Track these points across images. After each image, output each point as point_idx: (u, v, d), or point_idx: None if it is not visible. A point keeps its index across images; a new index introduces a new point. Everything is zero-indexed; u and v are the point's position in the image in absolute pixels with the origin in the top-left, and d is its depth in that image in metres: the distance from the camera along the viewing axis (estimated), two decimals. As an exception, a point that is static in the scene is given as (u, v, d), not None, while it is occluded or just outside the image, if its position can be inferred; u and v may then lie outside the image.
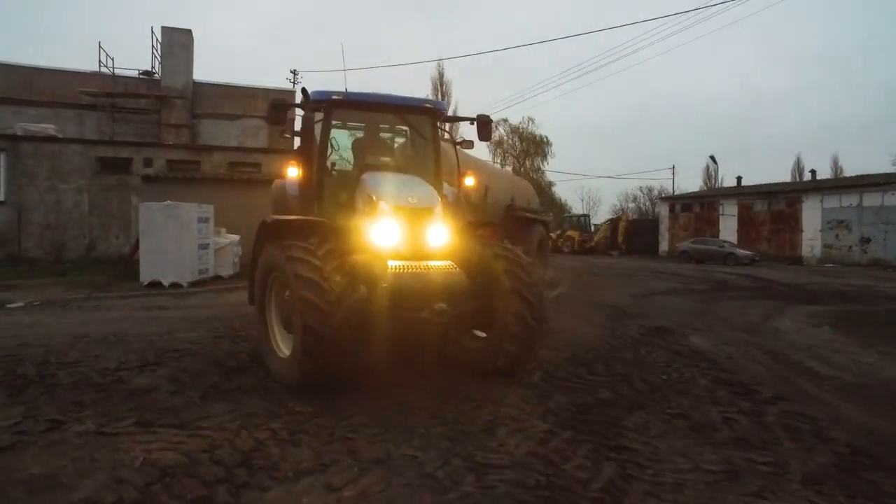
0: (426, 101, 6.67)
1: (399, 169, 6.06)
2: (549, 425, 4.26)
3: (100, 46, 23.92)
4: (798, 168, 55.90)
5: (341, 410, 4.42)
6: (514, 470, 3.48)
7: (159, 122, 24.42)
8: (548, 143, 54.82)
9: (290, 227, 5.18)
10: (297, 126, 6.12)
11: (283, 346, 5.16)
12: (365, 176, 5.62)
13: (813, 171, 44.97)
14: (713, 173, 56.76)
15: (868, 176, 37.50)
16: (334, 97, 5.78)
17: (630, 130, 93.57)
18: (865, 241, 32.31)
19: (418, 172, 6.00)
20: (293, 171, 6.05)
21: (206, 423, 4.12)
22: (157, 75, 25.16)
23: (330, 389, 4.67)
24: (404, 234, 5.01)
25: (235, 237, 14.93)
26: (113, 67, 23.92)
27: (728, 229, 38.68)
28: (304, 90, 5.86)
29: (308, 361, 4.55)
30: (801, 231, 35.11)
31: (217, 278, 14.09)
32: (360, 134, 6.79)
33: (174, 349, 6.38)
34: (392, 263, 4.69)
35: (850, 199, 33.54)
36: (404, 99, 6.28)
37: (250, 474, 3.34)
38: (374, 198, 5.15)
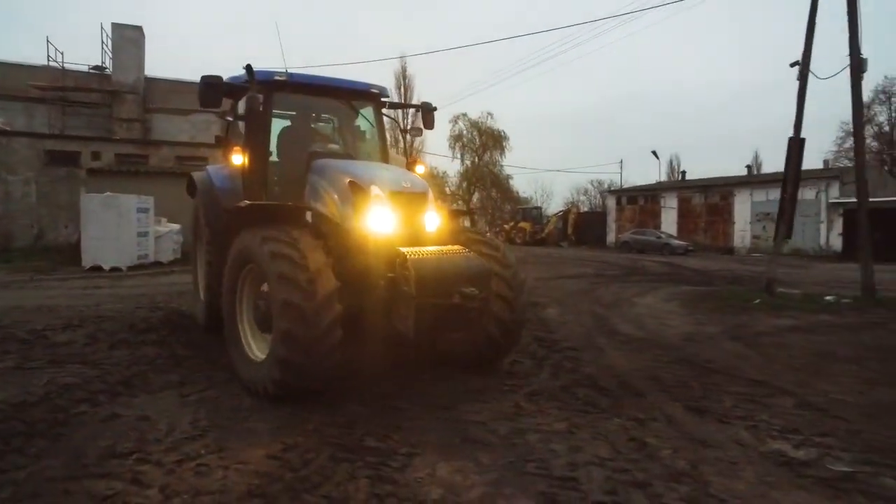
0: (371, 85, 6.22)
1: (348, 157, 5.82)
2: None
3: (48, 41, 24.44)
4: (756, 163, 58.14)
5: (214, 354, 5.72)
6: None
7: (111, 117, 25.04)
8: (505, 138, 56.38)
9: (269, 214, 4.77)
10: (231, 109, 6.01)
11: (256, 349, 4.61)
12: (331, 162, 5.28)
13: (749, 167, 47.62)
14: (676, 167, 59.26)
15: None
16: (276, 78, 5.42)
17: (586, 125, 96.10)
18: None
19: (366, 160, 5.87)
20: (237, 159, 5.56)
21: (106, 362, 5.38)
22: (108, 70, 25.71)
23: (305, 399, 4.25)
24: (400, 221, 4.67)
25: (176, 226, 16.03)
26: (62, 62, 24.43)
27: (669, 221, 40.95)
28: (248, 67, 5.17)
29: (285, 372, 4.02)
30: (734, 223, 37.49)
31: (157, 264, 15.18)
32: (285, 122, 6.33)
33: (97, 316, 7.59)
34: (407, 250, 4.29)
35: (774, 194, 35.98)
36: (349, 83, 6.02)
37: (127, 388, 4.63)
38: (362, 184, 4.70)
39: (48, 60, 24.27)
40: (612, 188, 48.85)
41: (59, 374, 4.91)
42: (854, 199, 33.38)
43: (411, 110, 21.53)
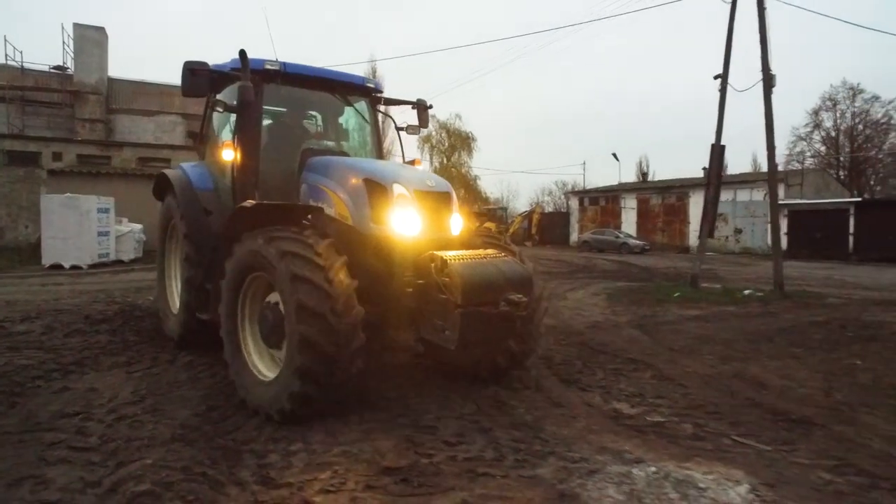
0: (367, 79, 5.95)
1: (343, 154, 5.58)
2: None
3: (6, 40, 24.42)
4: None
5: (162, 341, 6.38)
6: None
7: (73, 117, 25.12)
8: (473, 139, 57.34)
9: (277, 216, 4.28)
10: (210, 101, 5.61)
11: (263, 367, 4.18)
12: (338, 160, 5.04)
13: (705, 169, 49.49)
14: (646, 166, 61.03)
15: (742, 174, 42.16)
16: (268, 66, 5.07)
17: (553, 126, 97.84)
18: (738, 231, 36.56)
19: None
20: (228, 154, 5.00)
21: (61, 347, 5.99)
22: (69, 70, 25.77)
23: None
24: (426, 222, 4.35)
25: (137, 226, 16.49)
26: (21, 61, 24.44)
27: (629, 221, 42.43)
28: (242, 53, 4.75)
29: (305, 382, 3.62)
30: (689, 223, 39.06)
31: (118, 262, 15.60)
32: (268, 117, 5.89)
33: (55, 309, 8.14)
34: (446, 254, 3.99)
35: (726, 195, 37.64)
36: (345, 75, 5.75)
37: (79, 367, 5.28)
38: (383, 182, 4.35)
39: (6, 59, 24.26)
40: (576, 189, 50.28)
41: (17, 357, 5.52)
42: (799, 201, 35.31)
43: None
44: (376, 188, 4.39)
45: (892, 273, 21.11)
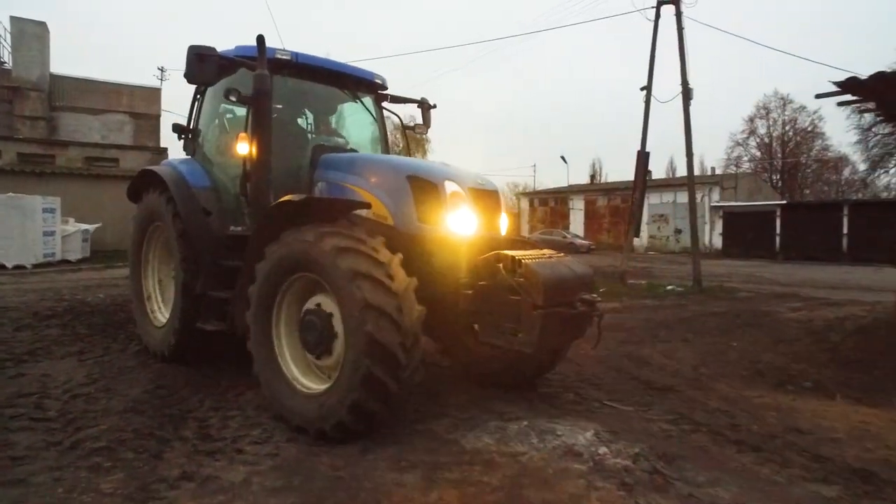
0: (375, 74, 5.70)
1: (353, 151, 5.37)
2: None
3: (-60, 34, 23.60)
4: (671, 167, 62.18)
5: (113, 333, 6.81)
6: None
7: (12, 114, 24.49)
8: (428, 140, 57.94)
9: (318, 212, 3.94)
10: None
11: (305, 379, 3.86)
12: (370, 157, 5.05)
13: (649, 172, 51.73)
14: (598, 169, 62.99)
15: (684, 177, 44.40)
16: (279, 56, 4.80)
17: (507, 128, 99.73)
18: (678, 232, 38.53)
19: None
20: (243, 148, 4.57)
21: (12, 340, 6.37)
22: (7, 65, 25.11)
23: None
24: (480, 222, 4.24)
25: (85, 226, 16.50)
26: (-44, 56, 23.68)
27: (577, 222, 44.06)
28: (260, 39, 4.40)
29: (357, 418, 3.41)
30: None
31: (65, 262, 15.58)
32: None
33: (2, 307, 8.39)
34: (518, 254, 3.82)
35: (668, 197, 39.81)
36: (355, 69, 5.55)
37: (32, 357, 5.70)
38: (432, 180, 4.16)
39: (-59, 54, 23.47)
40: (526, 191, 51.73)
41: (-32, 349, 5.90)
42: (733, 203, 37.49)
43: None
44: (424, 186, 4.16)
45: (808, 270, 23.00)
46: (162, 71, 36.41)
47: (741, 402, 4.82)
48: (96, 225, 17.45)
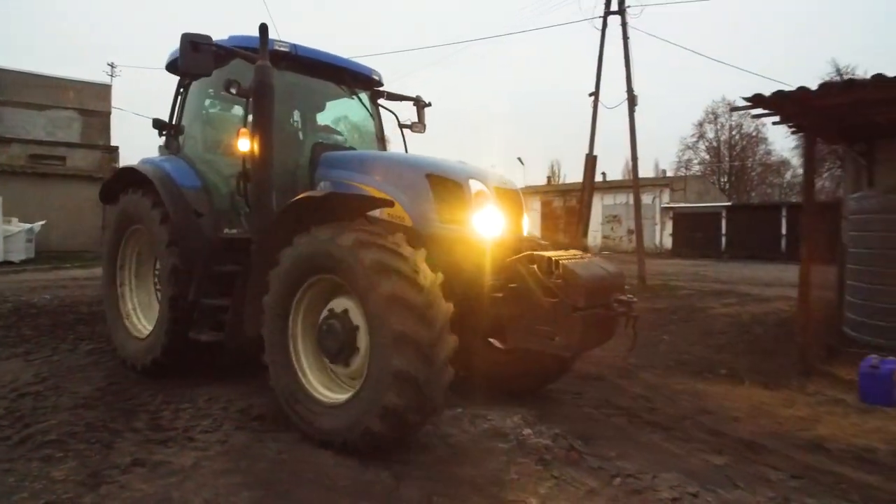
0: (373, 70, 5.49)
1: (352, 149, 5.17)
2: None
3: None
4: (628, 169, 63.66)
5: (61, 335, 6.82)
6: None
7: (-51, 108, 23.48)
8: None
9: (343, 210, 3.73)
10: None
11: (322, 387, 3.69)
12: (379, 154, 4.90)
13: (603, 174, 53.29)
14: (556, 170, 64.17)
15: (640, 179, 45.91)
16: (278, 48, 4.60)
17: (470, 127, 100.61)
18: (630, 232, 39.78)
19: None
20: (245, 145, 4.29)
21: (-43, 341, 6.33)
22: (-54, 58, 24.01)
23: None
24: (505, 222, 4.12)
25: (28, 226, 16.05)
26: None
27: (533, 222, 44.97)
28: (264, 28, 4.14)
29: (391, 423, 3.18)
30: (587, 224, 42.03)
31: (7, 263, 15.15)
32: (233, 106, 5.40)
33: (-56, 309, 8.23)
34: (553, 254, 3.71)
35: (621, 198, 41.08)
36: (353, 63, 5.35)
37: (-20, 356, 5.71)
38: (455, 179, 4.00)
39: None
40: (487, 191, 52.47)
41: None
42: (683, 204, 38.93)
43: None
44: (445, 185, 3.99)
45: (749, 269, 24.21)
46: (112, 67, 35.41)
47: (662, 389, 5.28)
48: (41, 223, 16.98)
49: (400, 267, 3.23)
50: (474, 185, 3.98)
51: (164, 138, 5.34)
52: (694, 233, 36.35)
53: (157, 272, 5.16)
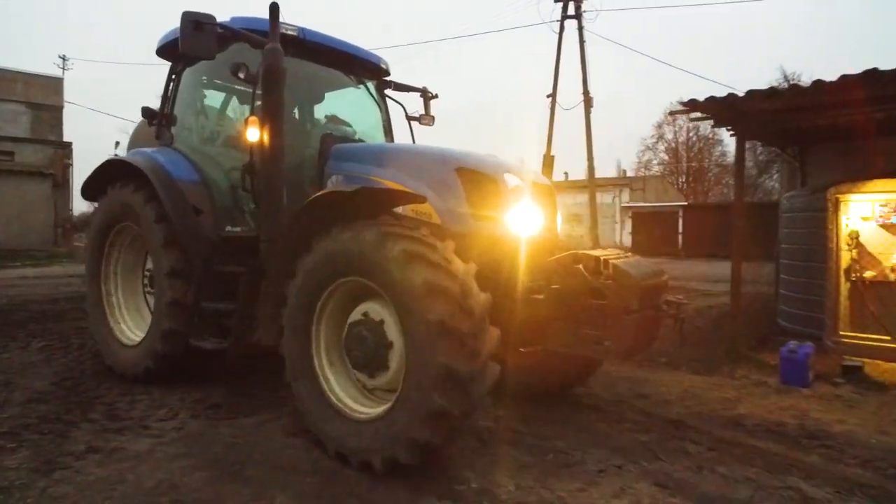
0: (381, 59, 5.28)
1: (361, 142, 4.89)
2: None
3: None
4: (590, 168, 64.51)
5: (13, 333, 6.74)
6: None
7: None
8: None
9: (370, 206, 3.39)
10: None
11: (351, 399, 3.38)
12: (399, 146, 4.63)
13: (566, 173, 54.38)
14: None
15: (601, 179, 47.07)
16: (286, 31, 4.26)
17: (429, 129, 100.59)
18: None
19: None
20: (254, 134, 3.99)
21: None
22: None
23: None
24: (541, 220, 3.92)
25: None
26: None
27: (499, 221, 45.53)
28: (274, 7, 3.84)
29: (438, 426, 2.89)
30: (550, 223, 42.83)
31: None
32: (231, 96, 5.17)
33: None
34: (601, 254, 3.55)
35: (582, 198, 41.92)
36: (362, 51, 5.09)
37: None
38: (489, 173, 3.77)
39: None
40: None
41: None
42: (642, 203, 40.01)
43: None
44: (478, 180, 3.74)
45: (704, 266, 25.08)
46: (64, 60, 34.30)
47: (603, 377, 5.59)
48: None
49: (430, 256, 2.95)
50: (511, 180, 3.76)
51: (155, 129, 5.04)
52: (653, 231, 37.43)
53: (147, 274, 4.95)
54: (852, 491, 3.10)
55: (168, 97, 5.01)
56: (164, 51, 5.03)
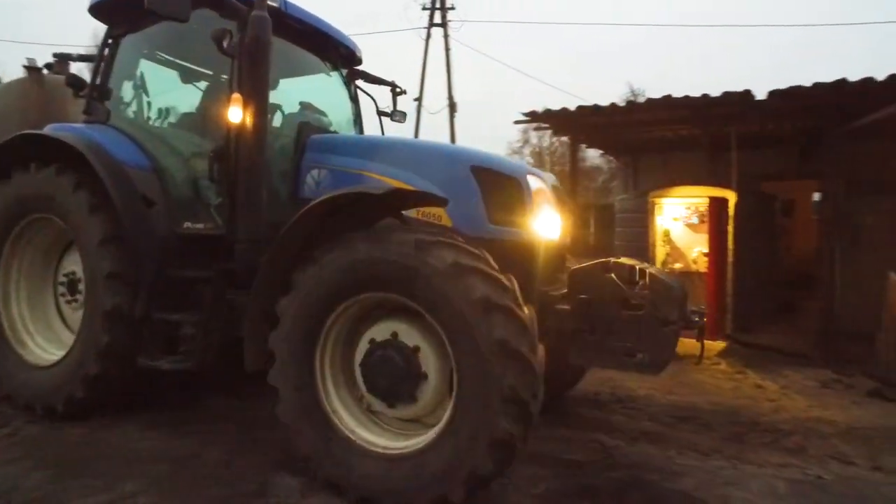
0: (355, 44, 4.80)
1: (334, 133, 4.46)
2: None
3: None
4: None
5: None
6: None
7: None
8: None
9: (373, 210, 3.12)
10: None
11: (367, 433, 2.96)
12: (402, 140, 4.08)
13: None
14: None
15: None
16: (270, 1, 3.61)
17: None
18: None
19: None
20: (236, 114, 3.36)
21: None
22: None
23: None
24: (563, 227, 3.69)
25: None
26: None
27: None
28: None
29: (504, 453, 2.62)
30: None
31: None
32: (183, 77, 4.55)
33: None
34: (630, 261, 3.31)
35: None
36: (340, 34, 4.59)
37: None
38: (511, 174, 3.44)
39: None
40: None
41: None
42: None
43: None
44: (497, 181, 3.39)
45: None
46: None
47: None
48: None
49: (484, 268, 2.68)
50: (533, 182, 3.41)
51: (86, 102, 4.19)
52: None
53: (65, 279, 4.06)
54: (638, 438, 3.85)
55: (102, 65, 4.19)
56: (102, 9, 4.15)
